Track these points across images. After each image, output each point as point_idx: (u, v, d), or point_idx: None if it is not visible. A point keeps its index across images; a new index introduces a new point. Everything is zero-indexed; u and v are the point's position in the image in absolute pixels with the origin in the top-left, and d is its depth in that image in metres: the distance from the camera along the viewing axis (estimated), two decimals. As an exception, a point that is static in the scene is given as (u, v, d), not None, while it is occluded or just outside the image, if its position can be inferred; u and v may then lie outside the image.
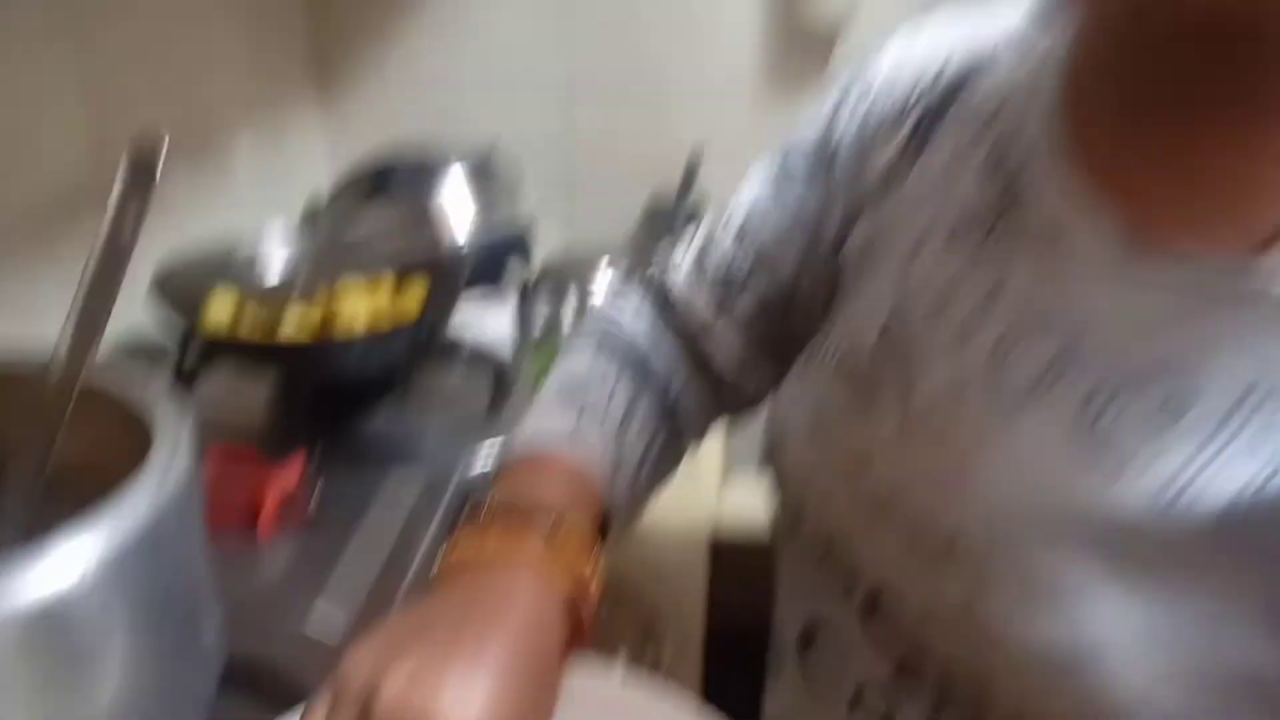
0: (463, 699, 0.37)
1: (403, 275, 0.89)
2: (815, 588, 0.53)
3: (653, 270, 0.64)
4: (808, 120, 0.57)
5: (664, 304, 0.62)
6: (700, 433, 0.64)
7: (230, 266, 0.86)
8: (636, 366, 0.59)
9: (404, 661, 0.38)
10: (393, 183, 1.12)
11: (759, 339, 0.60)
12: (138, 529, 0.40)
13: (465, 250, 0.94)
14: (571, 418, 0.55)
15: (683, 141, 1.24)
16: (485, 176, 1.16)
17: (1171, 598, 0.39)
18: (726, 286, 0.59)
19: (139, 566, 0.40)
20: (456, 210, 1.10)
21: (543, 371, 0.62)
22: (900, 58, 0.53)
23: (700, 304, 0.60)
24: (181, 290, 0.78)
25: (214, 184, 1.08)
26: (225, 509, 0.66)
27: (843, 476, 0.49)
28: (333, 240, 0.94)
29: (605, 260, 1.12)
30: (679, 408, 0.61)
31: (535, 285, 1.13)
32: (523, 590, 0.43)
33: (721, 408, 0.64)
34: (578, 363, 0.59)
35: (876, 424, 0.48)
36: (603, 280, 1.10)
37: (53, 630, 0.37)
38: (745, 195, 0.59)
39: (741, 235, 0.58)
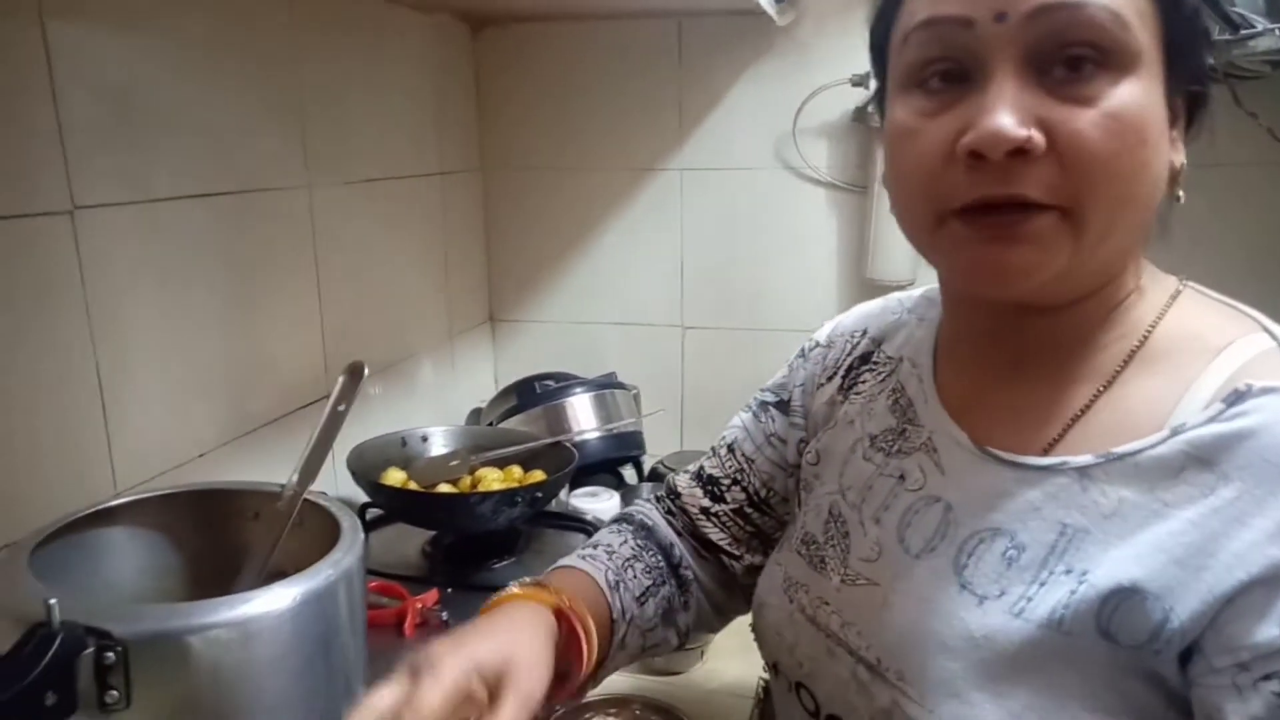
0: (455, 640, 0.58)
1: (527, 466, 1.16)
2: (792, 716, 0.69)
3: (666, 480, 0.86)
4: (777, 373, 0.81)
5: (670, 496, 0.83)
6: (717, 602, 0.81)
7: (400, 453, 1.17)
8: (643, 531, 0.80)
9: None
10: (534, 397, 1.42)
11: (746, 521, 0.79)
12: (318, 589, 0.65)
13: (576, 449, 1.20)
14: (585, 552, 0.76)
15: (774, 367, 1.50)
16: (608, 396, 1.45)
17: (1025, 695, 0.53)
18: (718, 484, 0.80)
19: (316, 613, 0.65)
20: (580, 420, 1.38)
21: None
22: (834, 331, 0.78)
23: (698, 495, 0.81)
24: (366, 467, 1.09)
25: (402, 394, 1.42)
26: (383, 615, 0.92)
27: (808, 622, 0.66)
28: (480, 439, 1.23)
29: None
30: (684, 569, 0.79)
31: (640, 482, 1.39)
32: (520, 605, 0.65)
33: (731, 583, 0.81)
34: (598, 535, 0.81)
35: (827, 580, 0.66)
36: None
37: (259, 641, 0.61)
38: (735, 422, 0.82)
39: (731, 448, 0.81)
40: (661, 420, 1.56)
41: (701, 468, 0.82)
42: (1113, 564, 0.52)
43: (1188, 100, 0.56)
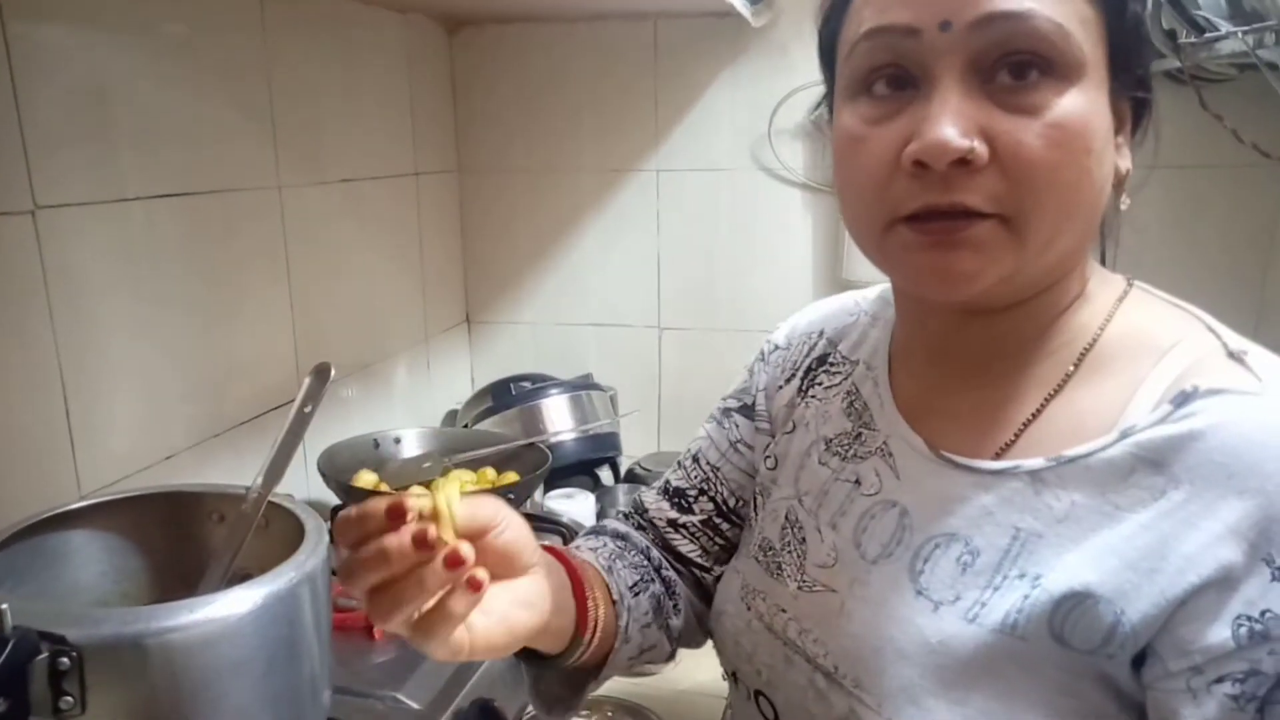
0: None
1: (501, 468, 1.16)
2: None
3: (632, 498, 0.83)
4: (738, 379, 0.79)
5: (638, 512, 0.81)
6: (698, 612, 0.78)
7: (372, 455, 1.16)
8: (618, 537, 0.77)
9: None
10: (510, 399, 1.41)
11: (716, 532, 0.77)
12: (280, 591, 0.64)
13: (552, 450, 1.20)
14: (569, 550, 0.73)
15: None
16: (584, 397, 1.45)
17: (981, 700, 0.53)
18: (685, 495, 0.78)
19: (280, 614, 0.64)
20: (555, 421, 1.38)
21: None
22: (790, 332, 0.76)
23: (665, 508, 0.78)
24: (337, 469, 1.08)
25: (377, 396, 1.41)
26: (353, 618, 0.91)
27: (765, 630, 0.65)
28: (454, 441, 1.23)
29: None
30: (666, 571, 0.76)
31: (616, 483, 1.38)
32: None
33: (707, 597, 0.77)
34: (572, 546, 0.76)
35: (784, 587, 0.65)
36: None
37: (220, 645, 0.60)
38: (700, 433, 0.80)
39: (697, 459, 0.79)
40: (638, 421, 1.56)
41: (667, 481, 0.80)
42: (1065, 568, 0.52)
43: (1133, 106, 0.56)
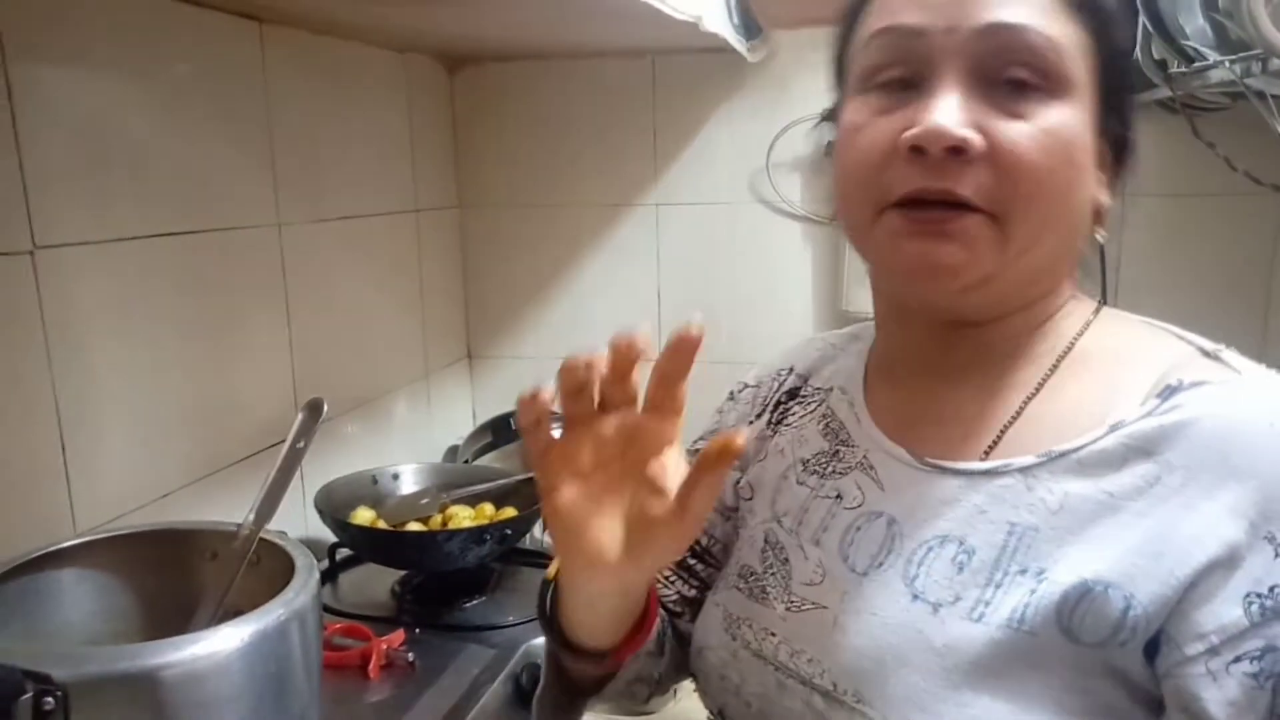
0: None
1: (500, 503, 1.16)
2: None
3: None
4: (709, 420, 0.78)
5: None
6: (677, 659, 0.75)
7: (370, 492, 1.16)
8: None
9: None
10: (510, 434, 1.41)
11: (690, 574, 0.75)
12: (268, 629, 0.64)
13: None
14: None
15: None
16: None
17: (989, 701, 0.52)
18: None
19: (268, 651, 0.64)
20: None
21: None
22: (760, 371, 0.77)
23: None
24: (335, 505, 1.07)
25: (377, 432, 1.41)
26: (347, 657, 0.91)
27: (754, 657, 0.64)
28: (452, 477, 1.23)
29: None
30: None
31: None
32: None
33: (685, 642, 0.74)
34: None
35: (770, 609, 0.64)
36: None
37: (206, 683, 0.60)
38: None
39: None
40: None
41: None
42: (1068, 560, 0.52)
43: (1115, 145, 0.59)
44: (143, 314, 0.95)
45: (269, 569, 0.73)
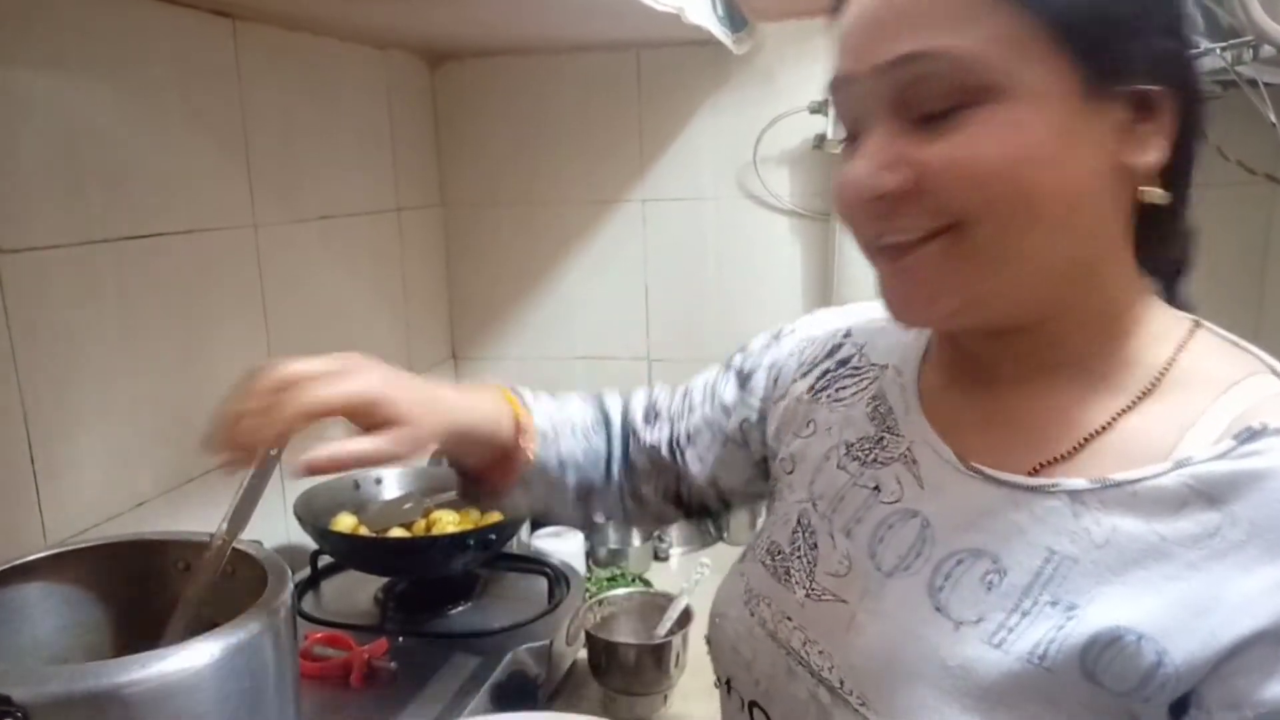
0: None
1: (484, 509, 1.13)
2: None
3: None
4: (754, 341, 0.79)
5: (629, 430, 0.83)
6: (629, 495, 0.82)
7: (352, 497, 1.14)
8: (601, 418, 0.81)
9: None
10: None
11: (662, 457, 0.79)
12: (241, 643, 0.61)
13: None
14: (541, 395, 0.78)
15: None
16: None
17: None
18: (657, 412, 0.81)
19: (240, 666, 0.62)
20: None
21: (599, 587, 0.78)
22: (814, 322, 0.75)
23: (638, 414, 0.82)
24: (315, 512, 1.05)
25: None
26: (328, 667, 0.88)
27: (768, 637, 0.63)
28: (436, 481, 1.20)
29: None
30: (614, 465, 0.80)
31: (605, 523, 1.35)
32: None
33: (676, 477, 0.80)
34: (569, 407, 0.81)
35: (790, 593, 0.63)
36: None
37: (176, 700, 0.58)
38: (699, 378, 0.81)
39: (686, 393, 0.81)
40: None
41: (655, 402, 0.83)
42: (1104, 601, 0.49)
43: (1136, 98, 0.51)
44: (114, 318, 0.93)
45: (244, 580, 0.70)
